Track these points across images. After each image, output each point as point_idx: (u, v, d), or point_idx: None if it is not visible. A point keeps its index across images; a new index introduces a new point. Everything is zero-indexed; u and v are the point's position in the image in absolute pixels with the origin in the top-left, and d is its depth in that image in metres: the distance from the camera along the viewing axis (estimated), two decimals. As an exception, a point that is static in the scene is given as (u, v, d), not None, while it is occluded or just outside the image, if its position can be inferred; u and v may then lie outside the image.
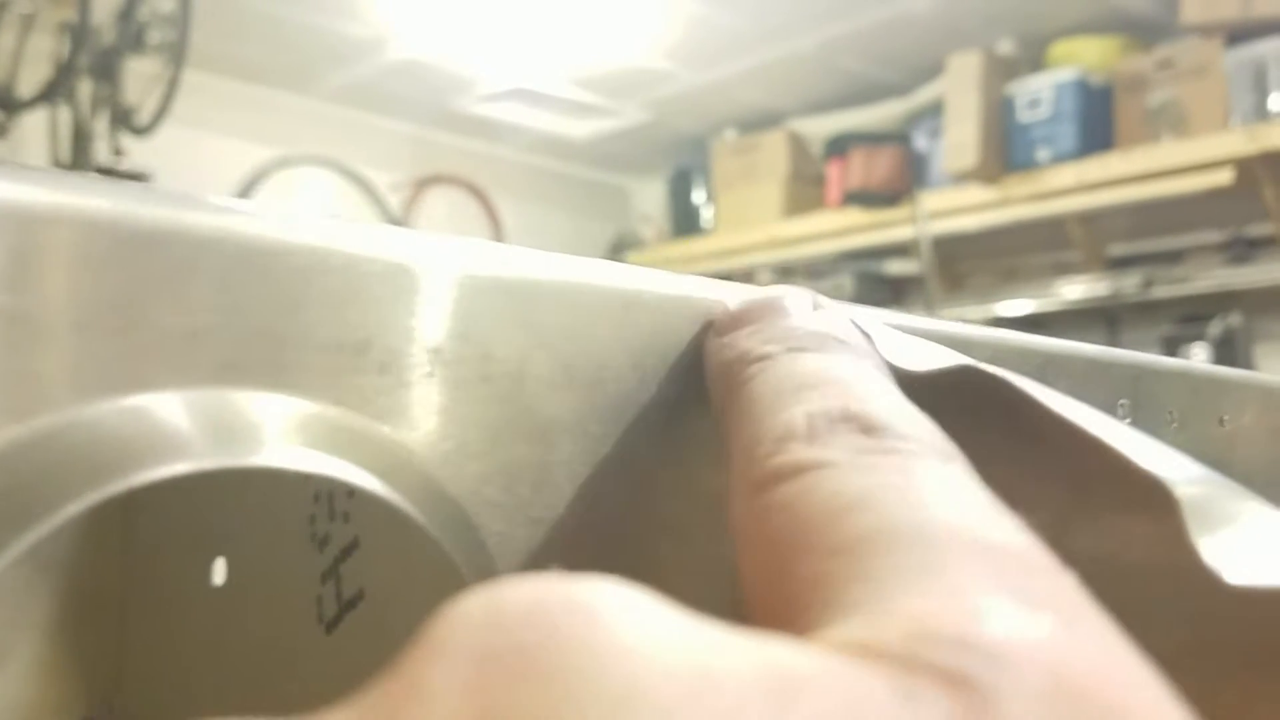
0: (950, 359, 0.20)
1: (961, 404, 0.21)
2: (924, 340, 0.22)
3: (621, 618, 0.11)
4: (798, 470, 0.16)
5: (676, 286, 0.22)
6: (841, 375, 0.18)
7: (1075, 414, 0.19)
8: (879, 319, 0.23)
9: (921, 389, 0.22)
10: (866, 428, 0.16)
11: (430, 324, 0.18)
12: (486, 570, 0.18)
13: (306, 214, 0.17)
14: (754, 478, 0.16)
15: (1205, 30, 2.16)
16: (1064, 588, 0.13)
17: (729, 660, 0.11)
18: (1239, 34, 2.13)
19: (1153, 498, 0.17)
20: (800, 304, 0.21)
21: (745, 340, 0.20)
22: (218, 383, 0.15)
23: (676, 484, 0.21)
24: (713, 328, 0.21)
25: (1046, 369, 0.28)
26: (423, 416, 0.18)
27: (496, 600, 0.11)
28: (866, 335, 0.22)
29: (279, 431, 0.16)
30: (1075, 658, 0.11)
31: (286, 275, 0.16)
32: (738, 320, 0.21)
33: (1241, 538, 0.16)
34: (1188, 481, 0.17)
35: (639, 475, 0.21)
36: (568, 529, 0.20)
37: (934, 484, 0.15)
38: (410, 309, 0.18)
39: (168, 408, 0.15)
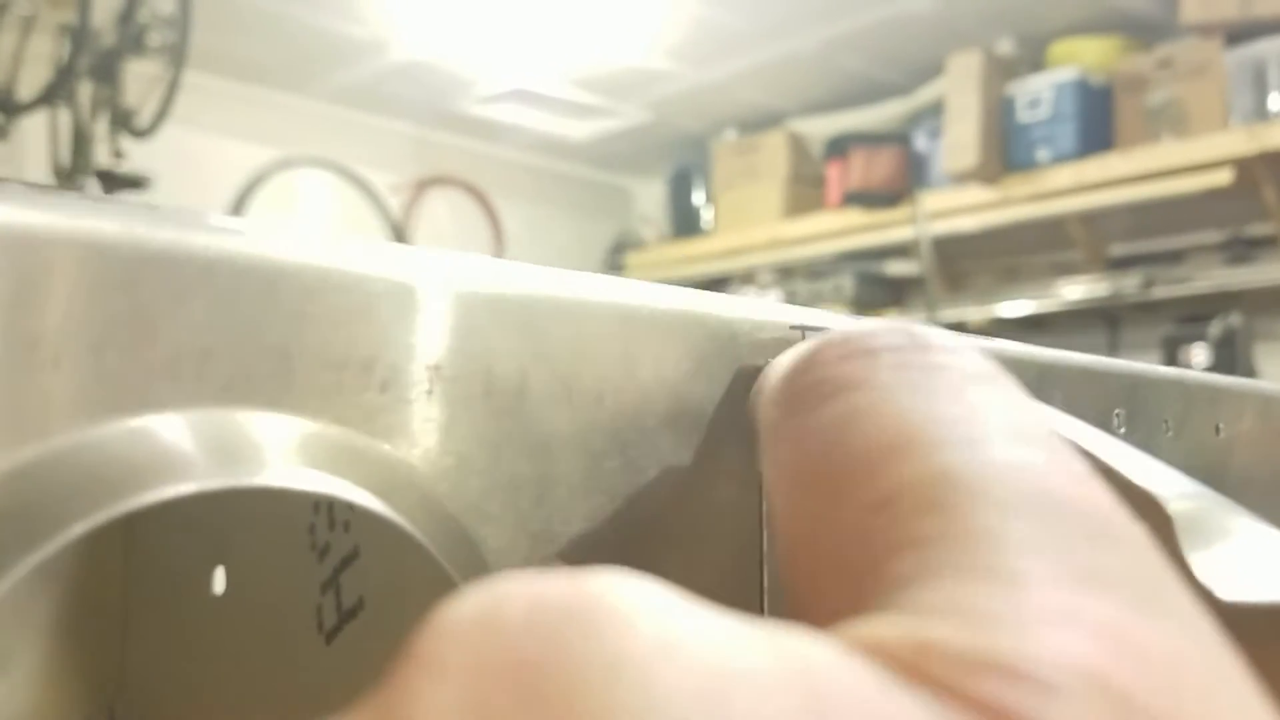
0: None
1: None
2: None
3: (627, 619, 0.10)
4: (839, 388, 0.14)
5: (674, 301, 0.22)
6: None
7: (1068, 429, 0.19)
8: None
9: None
10: (918, 345, 0.15)
11: (431, 341, 0.18)
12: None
13: (309, 232, 0.17)
14: (790, 394, 0.15)
15: (1205, 30, 2.16)
16: (1134, 557, 0.12)
17: (745, 657, 0.10)
18: (1238, 33, 2.13)
19: (1146, 513, 0.17)
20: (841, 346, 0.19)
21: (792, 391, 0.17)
22: (221, 403, 0.16)
23: (678, 498, 0.22)
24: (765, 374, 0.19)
25: (1042, 379, 0.28)
26: (423, 433, 0.18)
27: (491, 605, 0.10)
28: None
29: (281, 451, 0.16)
30: (1142, 680, 0.10)
31: (290, 295, 0.16)
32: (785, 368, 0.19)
33: (1234, 553, 0.16)
34: (1180, 497, 0.17)
35: (640, 490, 0.21)
36: (568, 544, 0.20)
37: (988, 412, 0.13)
38: (412, 326, 0.18)
39: (171, 428, 0.15)
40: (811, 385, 0.15)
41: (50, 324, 0.14)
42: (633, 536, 0.21)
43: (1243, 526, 0.17)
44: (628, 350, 0.21)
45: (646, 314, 0.21)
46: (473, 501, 0.18)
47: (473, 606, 0.10)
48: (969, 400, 0.14)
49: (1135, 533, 0.12)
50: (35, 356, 0.14)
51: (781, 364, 0.18)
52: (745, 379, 0.22)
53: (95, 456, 0.14)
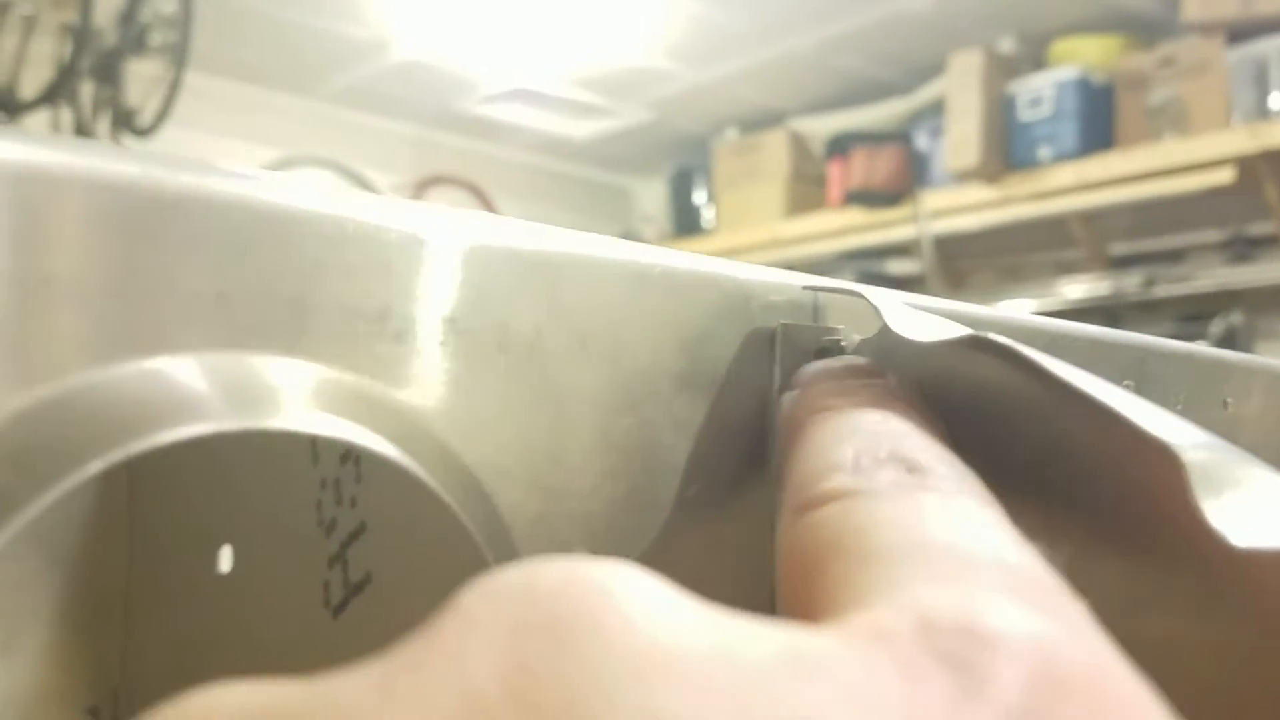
0: (958, 330, 0.20)
1: (970, 375, 0.22)
2: (934, 315, 0.23)
3: (645, 600, 0.11)
4: (840, 495, 0.17)
5: (689, 262, 0.22)
6: (896, 428, 0.19)
7: (1083, 382, 0.19)
8: (893, 296, 0.23)
9: (931, 362, 0.22)
10: (911, 468, 0.17)
11: (447, 294, 0.18)
12: (501, 537, 0.18)
13: (327, 184, 0.17)
14: (799, 502, 0.17)
15: (1206, 28, 2.16)
16: (1067, 604, 0.14)
17: (748, 641, 0.11)
18: (1240, 32, 2.13)
19: (1161, 462, 0.17)
20: (867, 367, 0.22)
21: (814, 394, 0.21)
22: (236, 347, 0.16)
23: (689, 458, 0.22)
24: (791, 384, 0.22)
25: (1051, 350, 0.28)
26: (438, 385, 0.18)
27: (528, 577, 0.11)
28: (878, 310, 0.22)
29: (296, 396, 0.16)
30: (1067, 654, 0.12)
31: (306, 242, 0.16)
32: (812, 378, 0.22)
33: (1248, 501, 0.16)
34: (1194, 446, 0.17)
35: (652, 449, 0.21)
36: (581, 500, 0.20)
37: (967, 516, 0.16)
38: (427, 278, 0.18)
39: (186, 371, 0.15)
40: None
41: (65, 264, 0.14)
42: (645, 495, 0.21)
43: (1256, 475, 0.17)
44: (642, 310, 0.21)
45: (661, 274, 0.21)
46: (486, 455, 0.18)
47: (510, 578, 0.12)
48: (950, 507, 0.16)
49: (1069, 591, 0.14)
50: (49, 296, 0.14)
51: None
52: (758, 340, 0.22)
53: (109, 396, 0.14)
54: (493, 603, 0.11)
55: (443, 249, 0.18)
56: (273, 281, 0.16)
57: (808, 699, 0.11)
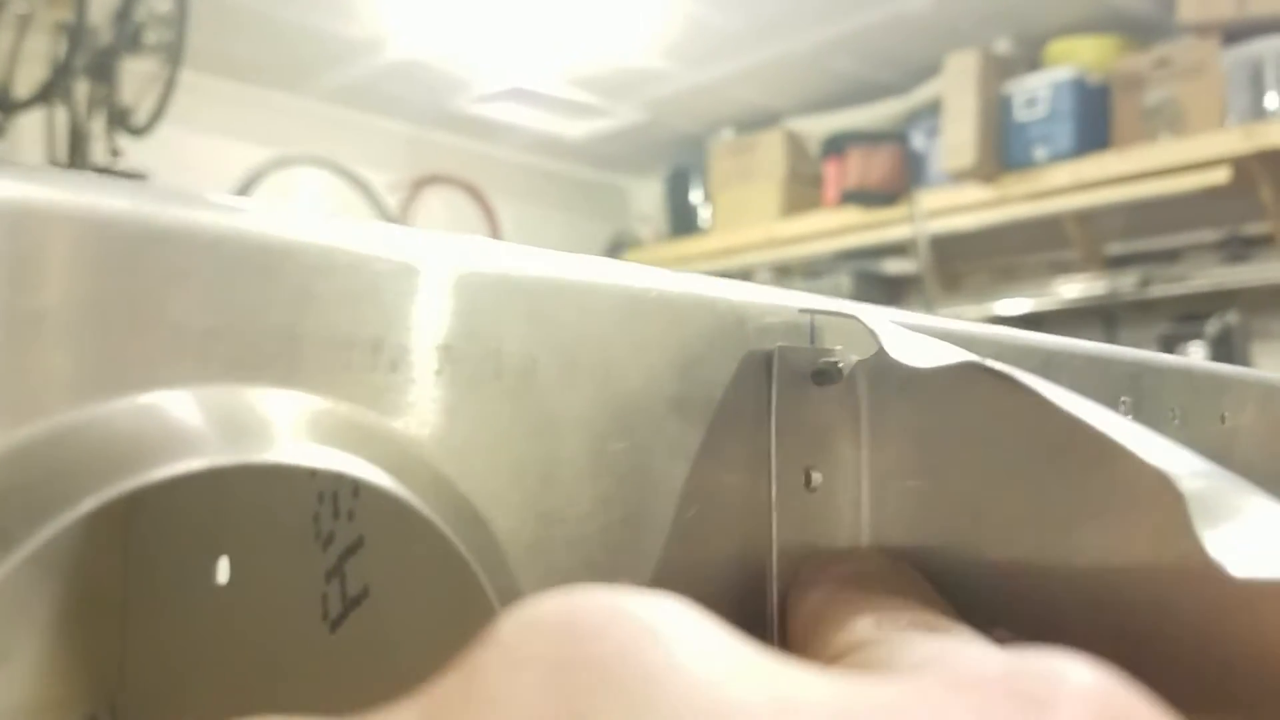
0: (956, 355, 0.20)
1: (967, 400, 0.22)
2: (930, 338, 0.22)
3: (693, 641, 0.11)
4: (864, 645, 0.17)
5: (682, 285, 0.22)
6: (912, 604, 0.19)
7: (1080, 409, 0.19)
8: (887, 317, 0.23)
9: (929, 385, 0.22)
10: (932, 629, 0.18)
11: (440, 322, 0.18)
12: (497, 563, 0.18)
13: (318, 213, 0.17)
14: (823, 659, 0.18)
15: (1202, 29, 2.16)
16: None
17: (808, 689, 0.11)
18: (1236, 33, 2.13)
19: (1158, 492, 0.17)
20: (872, 564, 0.22)
21: (824, 593, 0.21)
22: (230, 380, 0.16)
23: (683, 481, 0.22)
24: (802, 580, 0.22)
25: (1048, 367, 0.28)
26: (432, 413, 0.18)
27: (568, 610, 0.11)
28: (874, 334, 0.22)
29: (290, 428, 0.16)
30: (1126, 699, 0.12)
31: (299, 273, 0.16)
32: (818, 578, 0.22)
33: (1246, 531, 0.16)
34: (1192, 475, 0.17)
35: (647, 473, 0.21)
36: (577, 525, 0.20)
37: (993, 650, 0.16)
38: (420, 307, 0.18)
39: (180, 405, 0.15)
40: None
41: (55, 300, 0.14)
42: (641, 519, 0.21)
43: (1254, 505, 0.17)
44: (636, 334, 0.21)
45: (655, 297, 0.21)
46: (481, 481, 0.18)
47: (554, 608, 0.11)
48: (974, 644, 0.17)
49: None
50: (40, 333, 0.14)
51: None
52: (754, 363, 0.22)
53: (102, 433, 0.14)
54: (533, 638, 0.11)
55: (435, 276, 0.18)
56: (264, 313, 0.16)
57: None
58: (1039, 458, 0.21)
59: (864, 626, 0.18)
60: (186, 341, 0.15)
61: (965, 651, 0.15)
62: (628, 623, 0.11)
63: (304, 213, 0.17)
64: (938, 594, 0.21)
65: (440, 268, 0.18)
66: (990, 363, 0.19)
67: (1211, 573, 0.16)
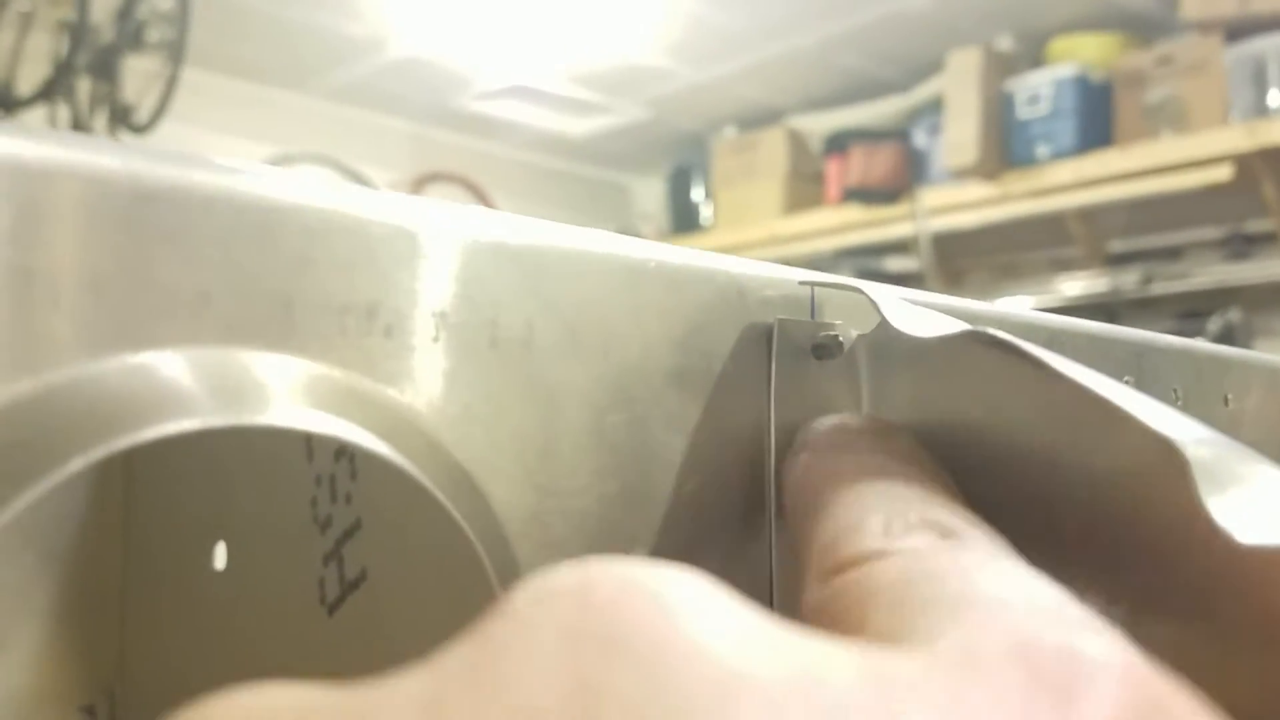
0: (958, 326, 0.20)
1: (969, 374, 0.21)
2: (931, 310, 0.22)
3: (712, 615, 0.11)
4: (876, 556, 0.16)
5: (685, 258, 0.22)
6: (920, 493, 0.18)
7: (1084, 377, 0.19)
8: (892, 292, 0.23)
9: (930, 360, 0.22)
10: (944, 532, 0.17)
11: (437, 288, 0.18)
12: (495, 534, 0.18)
13: (315, 177, 0.17)
14: (828, 567, 0.17)
15: (1204, 26, 2.16)
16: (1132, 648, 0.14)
17: (829, 663, 0.11)
18: (1238, 30, 2.13)
19: (1163, 458, 0.17)
20: (879, 427, 0.21)
21: (827, 458, 0.20)
22: (224, 342, 0.15)
23: (685, 455, 0.21)
24: (794, 447, 0.22)
25: (1050, 345, 0.28)
26: (429, 381, 0.18)
27: (582, 581, 0.11)
28: (876, 305, 0.22)
29: (285, 392, 0.16)
30: (1155, 681, 0.12)
31: (294, 237, 0.16)
32: (822, 439, 0.21)
33: (1251, 498, 0.16)
34: (1197, 442, 0.17)
35: (645, 445, 0.21)
36: (574, 497, 0.20)
37: (1015, 572, 0.15)
38: (417, 273, 0.18)
39: (173, 366, 0.15)
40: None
41: (50, 259, 0.14)
42: (639, 492, 0.21)
43: (1259, 472, 0.17)
44: (636, 305, 0.21)
45: (654, 268, 0.21)
46: (478, 452, 0.18)
47: (568, 579, 0.11)
48: (986, 563, 0.16)
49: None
50: (35, 291, 0.14)
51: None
52: (754, 336, 0.22)
53: (95, 392, 0.14)
54: (546, 609, 0.11)
55: (432, 243, 0.18)
56: (259, 276, 0.16)
57: None
58: (1043, 428, 0.20)
59: (870, 529, 0.17)
60: (179, 303, 0.15)
61: (985, 603, 0.14)
62: (642, 595, 0.11)
63: (302, 176, 0.17)
64: (939, 466, 0.20)
65: (437, 234, 0.18)
66: (993, 331, 0.19)
67: (1218, 539, 0.16)
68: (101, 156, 0.15)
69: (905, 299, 0.23)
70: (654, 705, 0.09)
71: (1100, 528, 0.19)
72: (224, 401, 0.15)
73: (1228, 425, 0.33)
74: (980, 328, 0.19)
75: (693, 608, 0.11)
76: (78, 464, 0.13)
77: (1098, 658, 0.12)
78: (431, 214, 0.18)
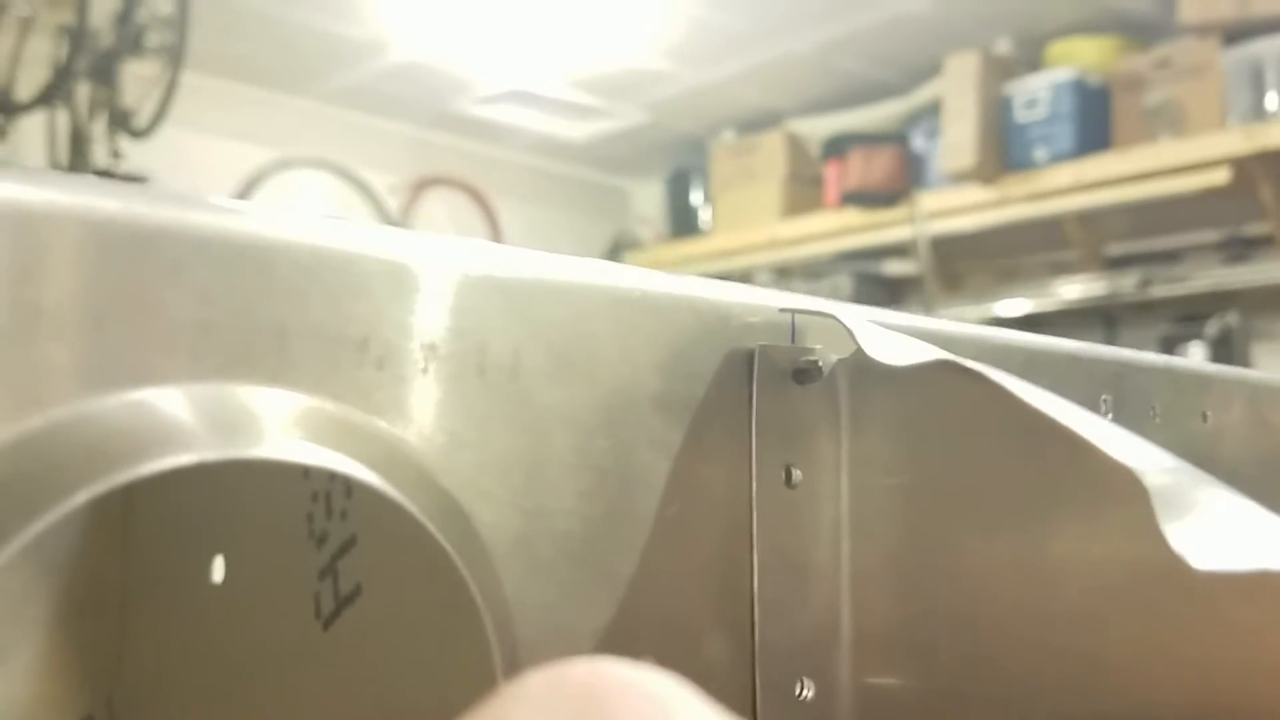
0: (931, 354, 0.21)
1: (944, 399, 0.22)
2: (908, 337, 0.23)
3: (692, 714, 0.13)
4: None
5: (666, 285, 0.23)
6: None
7: (1051, 407, 0.19)
8: (867, 316, 0.24)
9: (907, 384, 0.23)
10: None
11: (427, 320, 0.19)
12: (480, 557, 0.19)
13: (307, 213, 0.18)
14: None
15: (1202, 30, 2.16)
16: None
17: None
18: (1236, 33, 2.13)
19: (1126, 487, 0.18)
20: None
21: None
22: (220, 377, 0.16)
23: (668, 478, 0.22)
24: None
25: (1029, 365, 0.28)
26: (418, 410, 0.18)
27: (589, 676, 0.13)
28: (851, 333, 0.22)
29: (279, 425, 0.16)
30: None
31: (288, 272, 0.17)
32: None
33: (1207, 524, 0.17)
34: (1158, 471, 0.18)
35: (630, 469, 0.21)
36: (560, 519, 0.20)
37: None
38: (407, 306, 0.18)
39: (171, 401, 0.15)
40: None
41: (51, 298, 0.15)
42: (624, 515, 0.21)
43: (1216, 499, 0.17)
44: (620, 332, 0.21)
45: (638, 297, 0.22)
46: (467, 478, 0.19)
47: (578, 673, 0.13)
48: None
49: None
50: (36, 329, 0.15)
51: None
52: (735, 362, 0.23)
53: (96, 428, 0.15)
54: (559, 697, 0.13)
55: (422, 275, 0.19)
56: (254, 311, 0.17)
57: None
58: (1014, 455, 0.21)
59: None
60: (177, 339, 0.16)
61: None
62: (639, 694, 0.12)
63: (294, 212, 0.18)
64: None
65: (427, 267, 0.19)
66: (963, 361, 0.20)
67: (1177, 564, 0.16)
68: (99, 198, 0.16)
69: (883, 324, 0.23)
70: None
71: (1069, 553, 0.20)
72: (221, 435, 0.16)
73: (1207, 441, 0.33)
74: (950, 357, 0.20)
75: (679, 709, 0.13)
76: (82, 497, 0.14)
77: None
78: (421, 247, 0.19)
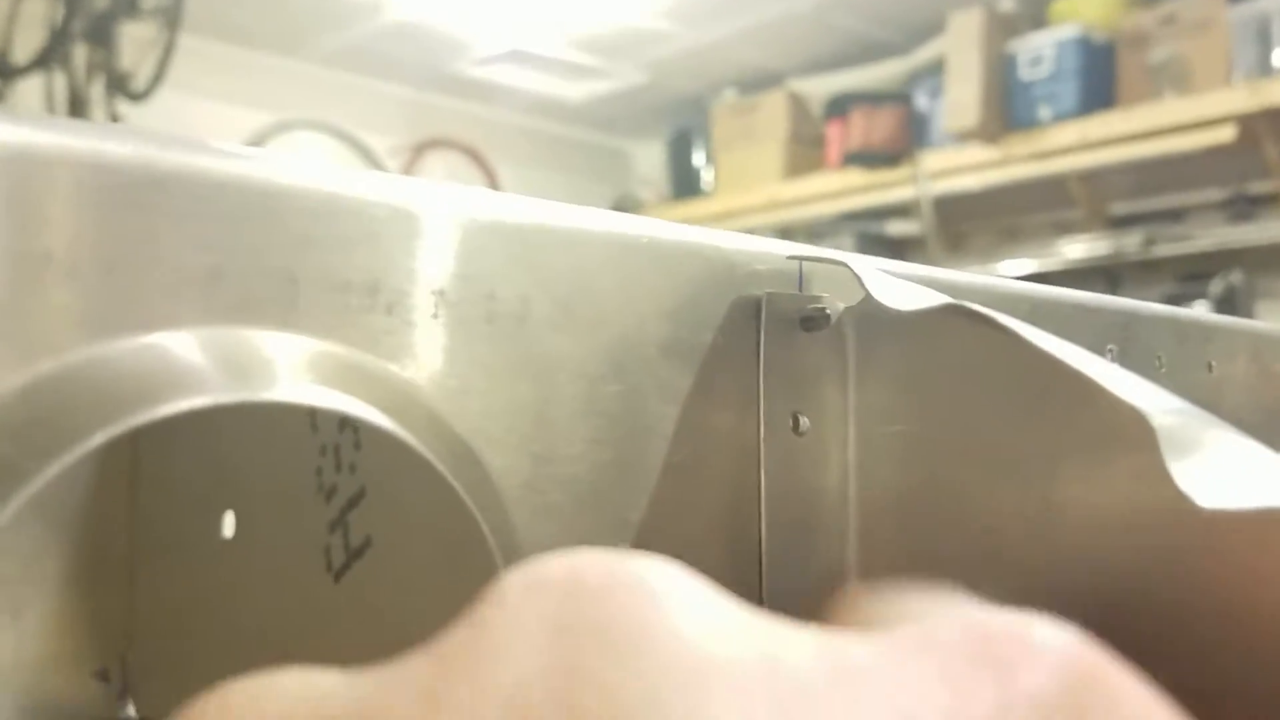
0: (938, 299, 0.21)
1: (951, 345, 0.22)
2: (916, 284, 0.23)
3: (690, 604, 0.12)
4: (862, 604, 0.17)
5: (676, 233, 0.23)
6: None
7: (1058, 349, 0.19)
8: (873, 265, 0.24)
9: (914, 331, 0.23)
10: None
11: (436, 267, 0.19)
12: (493, 501, 0.19)
13: (317, 160, 0.18)
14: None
15: (1208, -15, 2.14)
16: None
17: (793, 648, 0.11)
18: (1242, -12, 2.11)
19: (1132, 428, 0.18)
20: None
21: None
22: (231, 321, 0.16)
23: (676, 425, 0.22)
24: None
25: (1035, 315, 0.28)
26: (428, 356, 0.18)
27: (572, 572, 0.12)
28: (860, 279, 0.22)
29: (291, 368, 0.16)
30: (1093, 658, 0.13)
31: (296, 218, 0.17)
32: None
33: (1213, 464, 0.17)
34: (1164, 412, 0.18)
35: (638, 415, 0.21)
36: (569, 465, 0.20)
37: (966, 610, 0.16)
38: (417, 252, 0.18)
39: (183, 345, 0.16)
40: None
41: (62, 242, 0.15)
42: (632, 461, 0.21)
43: (1222, 439, 0.17)
44: (628, 279, 0.21)
45: (646, 244, 0.22)
46: (476, 423, 0.19)
47: (557, 569, 0.12)
48: None
49: None
50: (48, 274, 0.15)
51: None
52: (743, 309, 0.23)
53: (109, 371, 0.15)
54: (537, 598, 0.11)
55: (431, 222, 0.19)
56: (264, 257, 0.17)
57: (851, 706, 0.11)
58: (1021, 400, 0.21)
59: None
60: (188, 283, 0.16)
61: (940, 610, 0.15)
62: (626, 585, 0.11)
63: (303, 160, 0.18)
64: None
65: (436, 214, 0.19)
66: (970, 305, 0.20)
67: (1184, 506, 0.16)
68: (109, 142, 0.16)
69: (888, 272, 0.23)
70: (630, 687, 0.10)
71: (1077, 498, 0.20)
72: (233, 379, 0.16)
73: (1211, 391, 0.33)
74: (958, 301, 0.20)
75: (671, 598, 0.11)
76: (98, 440, 0.14)
77: (1042, 638, 0.12)
78: (430, 194, 0.19)
